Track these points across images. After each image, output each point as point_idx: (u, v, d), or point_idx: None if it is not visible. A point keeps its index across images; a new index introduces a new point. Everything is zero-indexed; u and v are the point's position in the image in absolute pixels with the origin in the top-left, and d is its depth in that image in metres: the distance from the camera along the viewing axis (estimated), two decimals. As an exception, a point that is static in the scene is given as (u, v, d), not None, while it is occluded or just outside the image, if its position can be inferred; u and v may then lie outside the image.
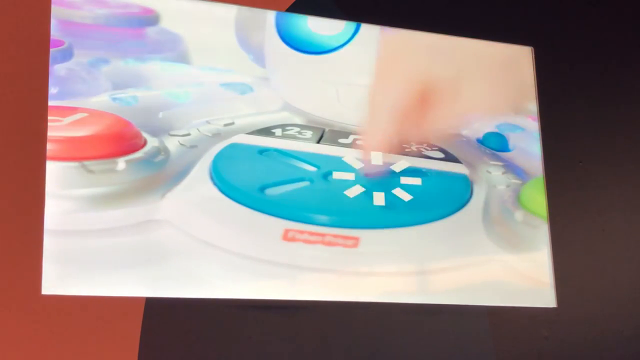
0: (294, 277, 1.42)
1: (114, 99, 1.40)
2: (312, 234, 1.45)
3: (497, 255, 1.57)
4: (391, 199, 1.52)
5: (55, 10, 1.39)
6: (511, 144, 1.67)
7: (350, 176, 1.51)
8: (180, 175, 1.40)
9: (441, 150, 1.61)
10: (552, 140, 1.72)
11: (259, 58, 1.53)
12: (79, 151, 1.34)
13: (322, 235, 1.45)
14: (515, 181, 1.64)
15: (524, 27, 1.80)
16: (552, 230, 1.65)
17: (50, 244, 1.28)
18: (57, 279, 1.28)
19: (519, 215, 1.61)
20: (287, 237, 1.43)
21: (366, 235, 1.47)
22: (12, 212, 1.31)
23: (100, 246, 1.32)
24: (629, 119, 1.87)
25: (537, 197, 1.65)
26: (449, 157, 1.60)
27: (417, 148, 1.59)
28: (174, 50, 1.47)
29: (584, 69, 1.86)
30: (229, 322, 1.42)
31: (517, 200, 1.62)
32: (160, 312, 1.37)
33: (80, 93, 1.38)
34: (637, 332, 1.72)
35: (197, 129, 1.44)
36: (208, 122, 1.45)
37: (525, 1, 1.85)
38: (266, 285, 1.40)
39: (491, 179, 1.62)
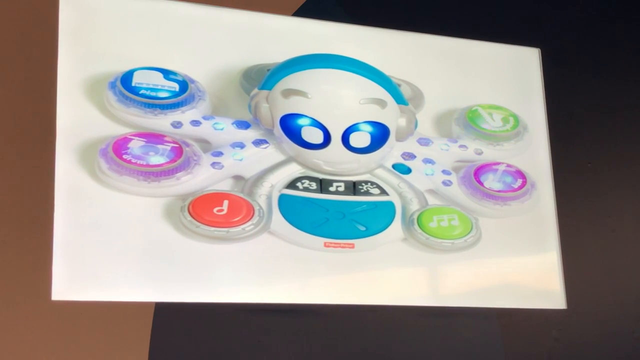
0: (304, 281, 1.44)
1: None
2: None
3: (507, 257, 1.58)
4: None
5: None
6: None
7: None
8: None
9: None
10: (560, 142, 1.72)
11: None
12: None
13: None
14: None
15: (530, 28, 1.80)
16: (562, 231, 1.65)
17: (60, 250, 1.29)
18: (67, 285, 1.29)
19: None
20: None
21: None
22: (21, 217, 1.31)
23: (110, 251, 1.33)
24: (637, 119, 1.87)
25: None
26: None
27: None
28: None
29: (591, 69, 1.85)
30: (239, 326, 1.42)
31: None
32: (169, 317, 1.37)
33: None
34: (648, 333, 1.72)
35: None
36: None
37: (532, 2, 1.85)
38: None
39: None
